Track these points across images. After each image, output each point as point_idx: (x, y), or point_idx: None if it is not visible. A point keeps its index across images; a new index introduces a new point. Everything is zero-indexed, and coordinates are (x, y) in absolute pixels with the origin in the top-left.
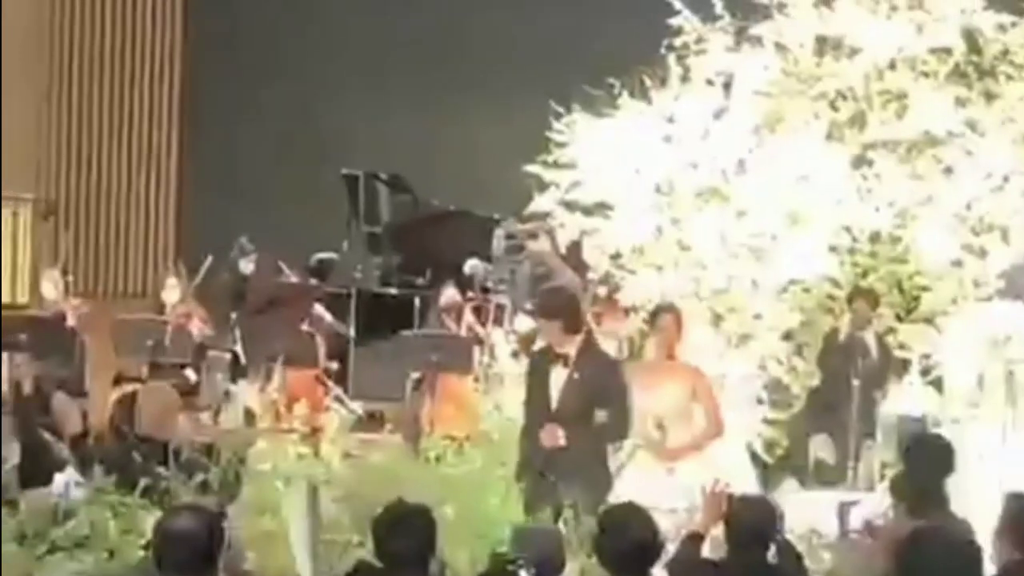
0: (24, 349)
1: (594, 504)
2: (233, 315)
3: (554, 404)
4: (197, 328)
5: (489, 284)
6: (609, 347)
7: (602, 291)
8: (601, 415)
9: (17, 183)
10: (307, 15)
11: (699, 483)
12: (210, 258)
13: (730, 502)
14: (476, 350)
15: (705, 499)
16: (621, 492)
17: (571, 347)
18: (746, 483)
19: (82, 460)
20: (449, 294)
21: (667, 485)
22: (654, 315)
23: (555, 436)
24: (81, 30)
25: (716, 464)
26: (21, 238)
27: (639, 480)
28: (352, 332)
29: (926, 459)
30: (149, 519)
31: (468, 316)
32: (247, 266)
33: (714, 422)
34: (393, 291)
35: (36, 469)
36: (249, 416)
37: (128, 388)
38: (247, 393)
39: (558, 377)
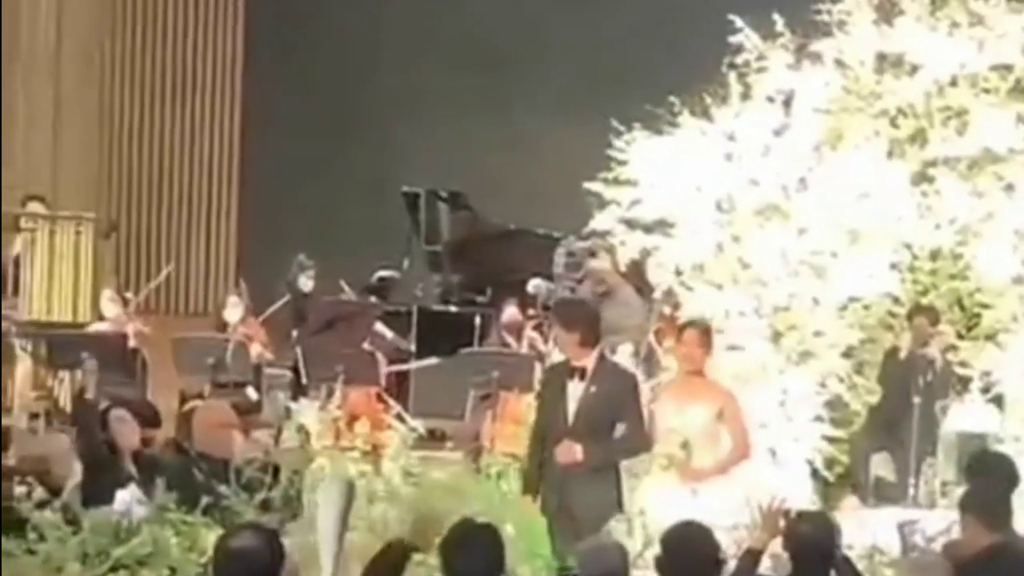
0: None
1: (599, 522)
2: (294, 333)
3: (570, 419)
4: (256, 352)
5: (551, 302)
6: (670, 363)
7: (666, 309)
8: (620, 429)
9: (79, 201)
10: (370, 31)
11: (723, 505)
12: (287, 297)
13: (788, 518)
14: (537, 367)
15: (763, 515)
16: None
17: (587, 360)
18: (799, 501)
19: (143, 478)
20: (510, 312)
21: (690, 506)
22: (680, 329)
23: (572, 452)
24: (142, 47)
25: (742, 486)
26: (83, 256)
27: (661, 500)
28: (413, 349)
29: (988, 476)
30: (211, 537)
31: (529, 334)
32: (306, 283)
33: (741, 445)
34: (453, 309)
35: (98, 487)
36: (305, 434)
37: (187, 406)
38: (308, 411)
39: (574, 392)
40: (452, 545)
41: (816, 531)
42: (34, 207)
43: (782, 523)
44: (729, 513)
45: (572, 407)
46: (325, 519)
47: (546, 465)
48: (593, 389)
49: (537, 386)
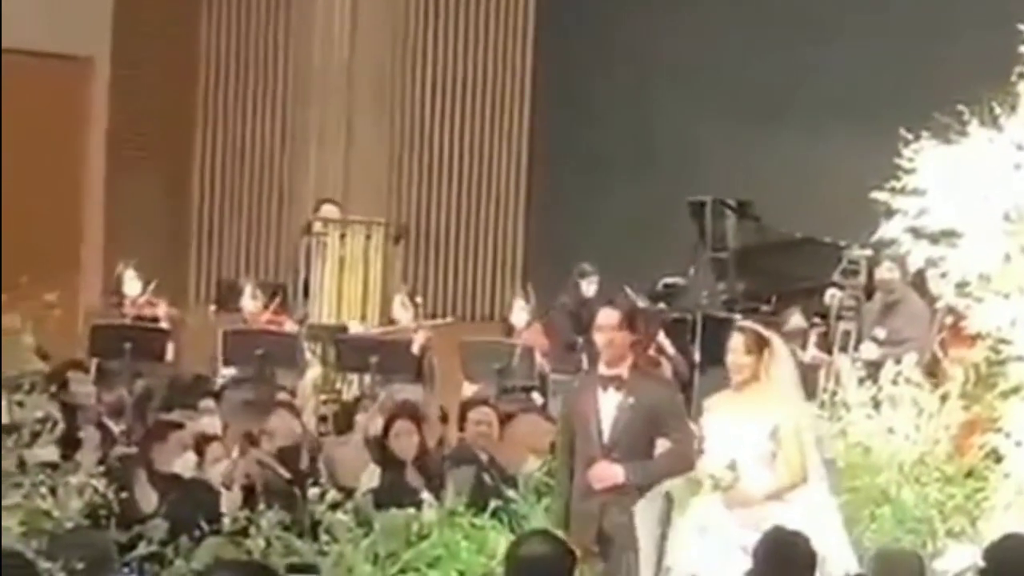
0: (374, 371)
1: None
2: (579, 339)
3: (605, 436)
4: (538, 357)
5: (843, 313)
6: (956, 374)
7: (949, 319)
8: (662, 445)
9: (370, 207)
10: (659, 41)
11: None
12: (563, 301)
13: None
14: (821, 376)
15: None
16: (682, 550)
17: (622, 368)
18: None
19: (434, 482)
20: (794, 320)
21: (737, 536)
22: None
23: (610, 474)
24: (433, 57)
25: (802, 514)
26: (373, 261)
27: (705, 528)
28: (697, 357)
29: None
30: (499, 540)
31: (812, 342)
32: (589, 288)
33: (794, 469)
34: (738, 316)
35: (391, 492)
36: None
37: (484, 411)
38: None
39: (607, 405)
40: (766, 551)
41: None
42: (328, 209)
43: None
44: (742, 554)
45: (607, 422)
46: (645, 532)
47: (574, 490)
48: (631, 400)
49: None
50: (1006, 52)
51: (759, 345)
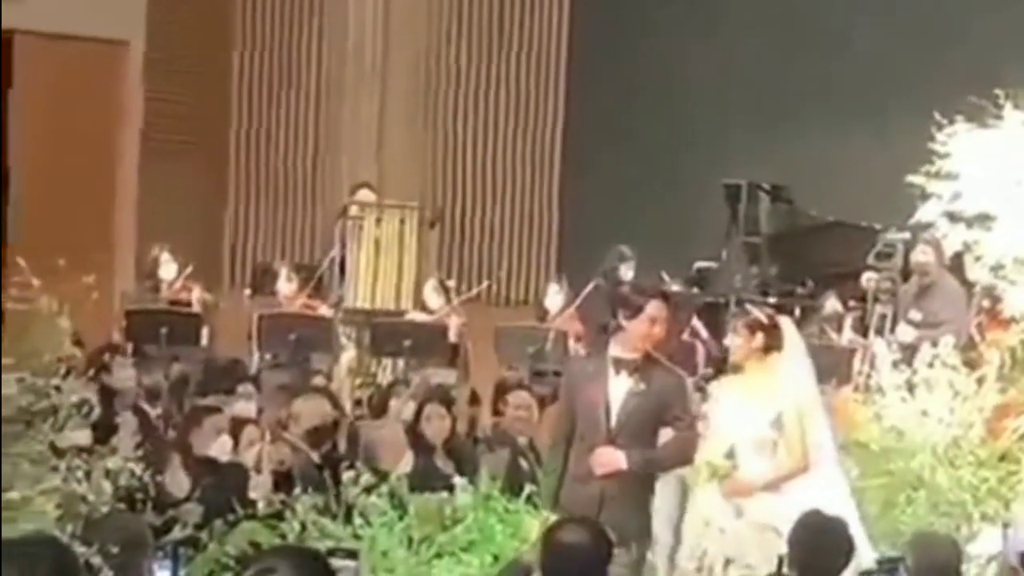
0: (406, 355)
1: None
2: (612, 322)
3: (613, 421)
4: (571, 342)
5: (880, 296)
6: (992, 357)
7: (985, 303)
8: (665, 434)
9: (404, 192)
10: (694, 27)
11: (771, 524)
12: (594, 284)
13: None
14: (856, 360)
15: None
16: (715, 533)
17: (638, 354)
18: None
19: (469, 466)
20: (830, 304)
21: (736, 529)
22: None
23: (613, 460)
24: (468, 44)
25: (795, 505)
26: (407, 246)
27: (701, 517)
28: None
29: None
30: (534, 524)
31: (848, 326)
32: (626, 273)
33: (796, 457)
34: (772, 300)
35: (423, 476)
36: None
37: (523, 396)
38: None
39: (617, 389)
40: (801, 537)
41: None
42: (363, 194)
43: None
44: (776, 536)
45: (616, 406)
46: (660, 515)
47: (567, 475)
48: (643, 387)
49: (856, 378)
50: None
51: (750, 327)
